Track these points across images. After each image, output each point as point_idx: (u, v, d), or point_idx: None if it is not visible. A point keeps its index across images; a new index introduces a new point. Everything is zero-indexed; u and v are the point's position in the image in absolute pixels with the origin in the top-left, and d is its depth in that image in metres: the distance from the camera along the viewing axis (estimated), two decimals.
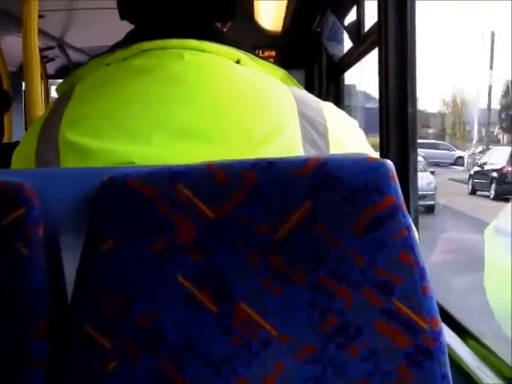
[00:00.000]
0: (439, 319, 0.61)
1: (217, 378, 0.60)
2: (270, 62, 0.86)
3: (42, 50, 2.97)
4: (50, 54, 3.32)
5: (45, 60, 3.34)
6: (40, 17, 1.61)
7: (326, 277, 0.60)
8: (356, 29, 2.26)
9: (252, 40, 2.83)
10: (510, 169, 9.44)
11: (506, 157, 9.86)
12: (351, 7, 2.41)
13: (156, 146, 0.71)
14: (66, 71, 3.52)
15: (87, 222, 0.61)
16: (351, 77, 2.99)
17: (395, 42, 1.50)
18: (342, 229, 0.60)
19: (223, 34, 0.85)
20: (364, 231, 0.60)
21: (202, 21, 0.83)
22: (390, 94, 1.52)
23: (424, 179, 8.96)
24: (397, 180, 0.61)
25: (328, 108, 0.79)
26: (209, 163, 0.61)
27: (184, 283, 0.60)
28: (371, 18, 1.92)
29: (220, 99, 0.75)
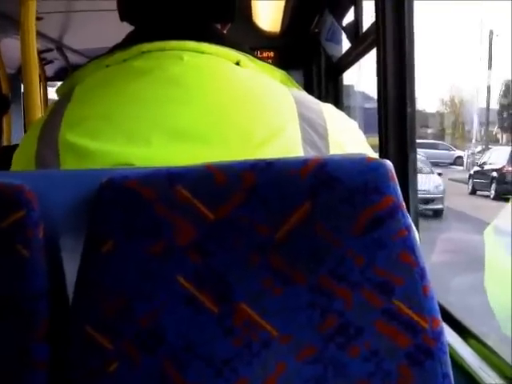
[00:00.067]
0: (440, 319, 0.61)
1: (218, 378, 0.60)
2: (268, 63, 0.85)
3: (40, 52, 2.97)
4: (48, 56, 3.32)
5: (43, 62, 3.34)
6: (38, 19, 1.61)
7: (326, 277, 0.60)
8: (354, 29, 2.26)
9: (250, 41, 2.82)
10: (510, 168, 9.42)
11: (506, 156, 9.84)
12: (349, 7, 2.41)
13: (155, 148, 0.71)
14: (65, 73, 3.52)
15: (87, 224, 0.61)
16: (349, 77, 2.99)
17: (393, 41, 1.50)
18: (342, 229, 0.60)
19: (223, 36, 0.85)
20: (364, 231, 0.60)
21: (201, 22, 0.83)
22: (388, 94, 1.52)
23: (431, 182, 8.78)
24: (396, 180, 0.61)
25: (328, 109, 0.79)
26: (208, 164, 0.61)
27: (184, 284, 0.60)
28: (369, 18, 1.93)
29: (219, 101, 0.75)
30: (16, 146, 0.83)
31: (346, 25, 2.45)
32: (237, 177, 0.60)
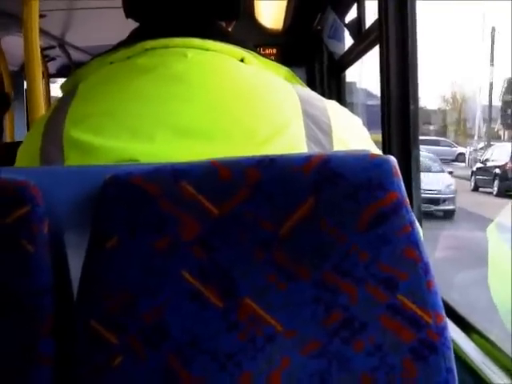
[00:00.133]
0: (444, 314, 0.62)
1: (222, 373, 0.60)
2: (272, 60, 0.86)
3: (43, 49, 2.98)
4: (51, 53, 3.33)
5: (46, 59, 3.35)
6: (41, 16, 1.61)
7: (331, 272, 0.60)
8: (357, 26, 2.26)
9: (253, 38, 2.81)
10: None
11: (509, 153, 9.80)
12: (352, 5, 2.41)
13: (158, 144, 0.71)
14: (67, 70, 3.52)
15: (91, 220, 0.62)
16: (351, 74, 2.99)
17: (396, 38, 1.50)
18: (346, 225, 0.60)
19: (227, 33, 0.85)
20: (368, 227, 0.60)
21: (206, 20, 0.83)
22: (391, 91, 1.52)
23: (442, 181, 8.45)
24: (400, 176, 0.62)
25: (332, 106, 0.80)
26: (212, 160, 0.62)
27: (189, 279, 0.60)
28: (372, 15, 1.93)
29: (222, 97, 0.75)
30: (19, 142, 0.84)
31: (349, 22, 2.45)
32: (241, 173, 0.60)
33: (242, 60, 0.80)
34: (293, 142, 0.73)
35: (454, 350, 0.64)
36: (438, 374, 0.61)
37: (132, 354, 0.60)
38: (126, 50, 0.79)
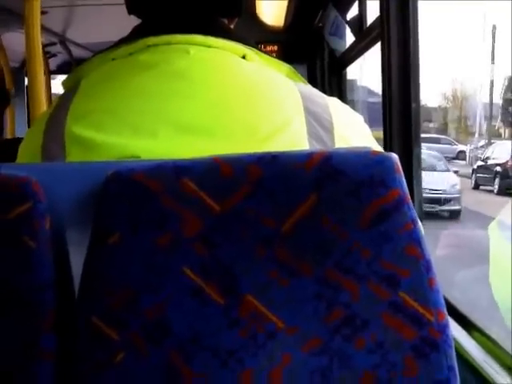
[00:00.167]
0: (445, 312, 0.62)
1: (223, 369, 0.60)
2: (273, 57, 0.86)
3: (44, 45, 2.97)
4: (52, 49, 3.33)
5: (47, 56, 3.34)
6: (42, 13, 1.61)
7: (333, 269, 0.60)
8: (358, 23, 2.26)
9: (254, 35, 2.81)
10: None
11: (510, 151, 9.77)
12: (353, 2, 2.40)
13: (160, 140, 0.71)
14: (68, 67, 3.52)
15: (93, 216, 0.62)
16: (351, 72, 2.98)
17: (398, 35, 1.50)
18: (348, 222, 0.60)
19: (230, 30, 0.85)
20: (370, 224, 0.60)
21: (208, 17, 0.83)
22: (392, 88, 1.52)
23: (448, 181, 8.19)
24: (402, 173, 0.62)
25: (333, 103, 0.80)
26: (214, 157, 0.61)
27: (191, 276, 0.60)
28: (373, 12, 1.92)
29: (224, 94, 0.75)
30: (20, 139, 0.84)
31: (350, 19, 2.44)
32: (243, 170, 0.60)
33: (243, 57, 0.80)
34: (294, 138, 0.73)
35: (456, 348, 0.64)
36: (440, 371, 0.61)
37: (134, 351, 0.60)
38: (128, 47, 0.79)
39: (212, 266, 0.60)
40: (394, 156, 0.62)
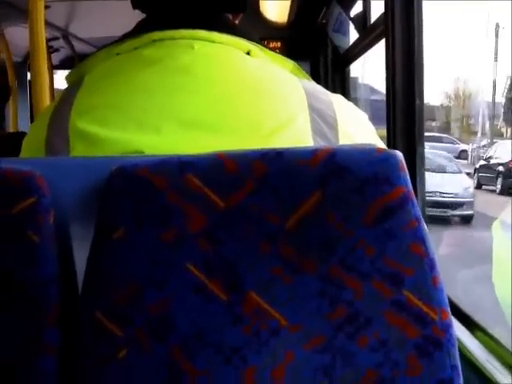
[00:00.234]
0: (449, 311, 0.61)
1: (226, 366, 0.60)
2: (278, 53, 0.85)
3: (46, 40, 2.97)
4: (54, 44, 3.32)
5: (50, 50, 3.34)
6: (45, 7, 1.60)
7: (336, 267, 0.60)
8: (362, 20, 2.25)
9: (257, 31, 2.81)
10: None
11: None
12: None
13: (164, 135, 0.71)
14: (71, 62, 3.52)
15: (97, 211, 0.62)
16: (353, 70, 2.98)
17: (402, 33, 1.50)
18: (353, 219, 0.60)
19: (234, 26, 0.84)
20: (374, 222, 0.60)
21: (213, 12, 0.83)
22: (396, 86, 1.51)
23: (460, 184, 7.68)
24: (406, 170, 0.61)
25: (337, 100, 0.79)
26: (218, 153, 0.61)
27: (194, 272, 0.60)
28: (377, 9, 1.92)
29: (228, 90, 0.74)
30: (22, 133, 0.83)
31: (354, 16, 2.44)
32: (247, 166, 0.60)
33: (248, 53, 0.80)
34: (299, 135, 0.72)
35: (458, 347, 0.64)
36: (443, 370, 0.61)
37: (137, 347, 0.60)
38: (132, 41, 0.79)
39: (216, 262, 0.60)
40: (399, 154, 0.62)
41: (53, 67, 3.56)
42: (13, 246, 0.60)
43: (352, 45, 2.60)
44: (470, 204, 7.35)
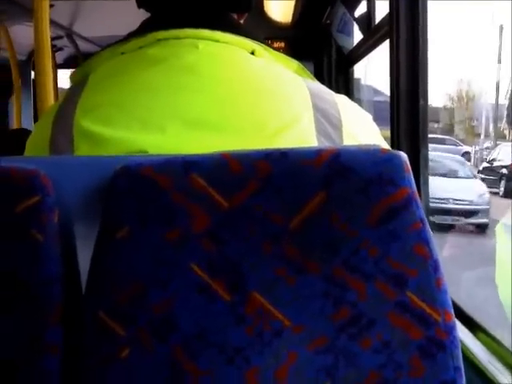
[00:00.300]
0: (452, 312, 0.61)
1: (229, 366, 0.60)
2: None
3: (51, 39, 2.97)
4: (58, 43, 3.33)
5: (54, 49, 3.35)
6: (50, 6, 1.60)
7: (340, 268, 0.60)
8: (366, 21, 2.25)
9: (261, 31, 2.82)
10: None
11: None
12: None
13: (169, 135, 0.71)
14: (75, 61, 3.52)
15: (101, 211, 0.62)
16: (356, 71, 2.97)
17: (407, 33, 1.49)
18: (357, 220, 0.60)
19: (239, 25, 0.84)
20: (378, 223, 0.60)
21: (217, 11, 0.83)
22: (400, 87, 1.51)
23: (474, 190, 7.15)
24: (411, 171, 0.61)
25: (342, 100, 0.79)
26: (223, 153, 0.61)
27: (198, 272, 0.60)
28: (382, 9, 1.92)
29: (232, 89, 0.74)
30: (24, 129, 0.84)
31: (358, 16, 2.43)
32: (252, 166, 0.60)
33: (252, 52, 0.80)
34: (303, 135, 0.72)
35: (461, 349, 0.64)
36: (446, 372, 0.60)
37: (139, 346, 0.60)
38: (137, 40, 0.79)
39: (219, 262, 0.60)
40: (403, 155, 0.62)
41: (57, 66, 3.57)
42: (16, 245, 0.60)
43: (356, 45, 2.59)
44: (486, 212, 6.86)
